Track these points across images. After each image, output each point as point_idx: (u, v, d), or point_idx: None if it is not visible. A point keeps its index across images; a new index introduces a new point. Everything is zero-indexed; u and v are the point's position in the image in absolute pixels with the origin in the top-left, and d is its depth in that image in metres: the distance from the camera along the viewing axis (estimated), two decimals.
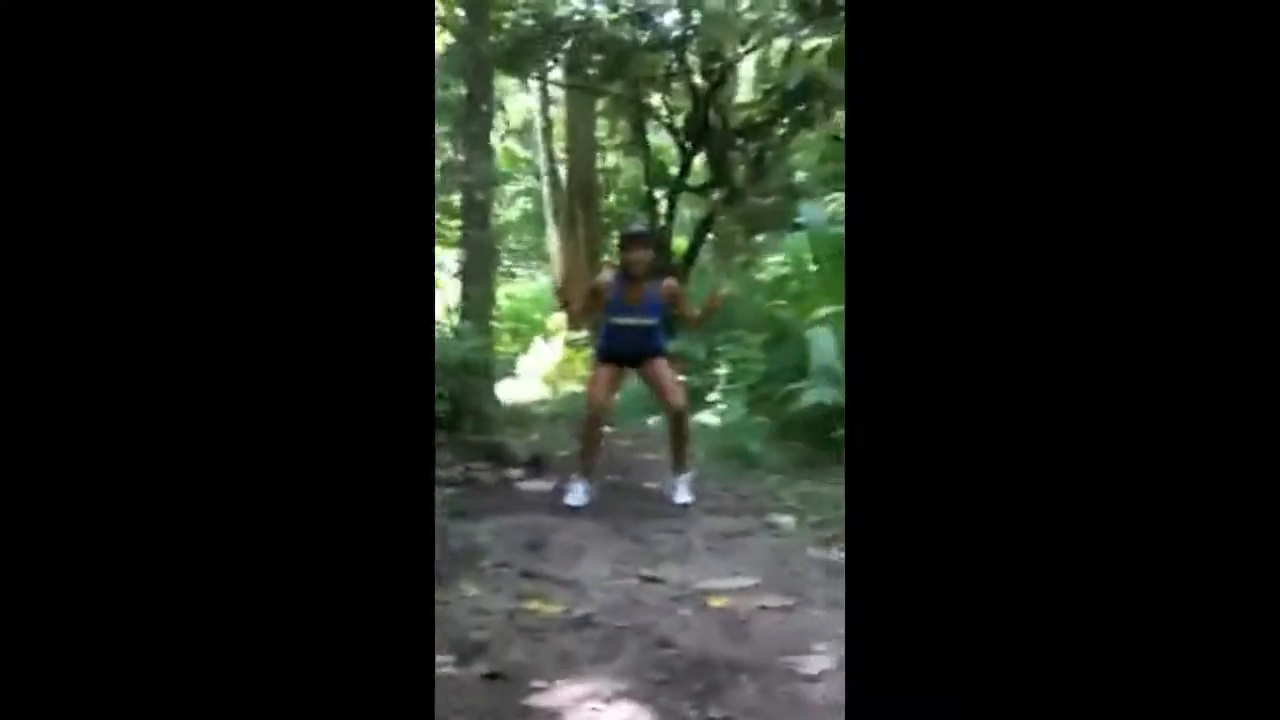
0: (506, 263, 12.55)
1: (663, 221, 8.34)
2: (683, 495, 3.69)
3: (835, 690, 1.68)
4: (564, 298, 4.09)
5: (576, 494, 3.66)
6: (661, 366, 3.78)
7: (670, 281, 3.88)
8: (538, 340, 10.16)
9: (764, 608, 2.29)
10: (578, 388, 8.36)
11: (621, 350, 3.78)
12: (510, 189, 12.52)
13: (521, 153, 12.85)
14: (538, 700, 1.68)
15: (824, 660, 1.85)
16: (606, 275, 3.89)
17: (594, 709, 1.65)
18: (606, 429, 4.08)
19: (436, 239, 9.96)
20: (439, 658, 1.87)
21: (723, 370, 6.22)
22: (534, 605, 2.27)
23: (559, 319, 10.00)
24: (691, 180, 8.66)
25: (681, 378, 4.45)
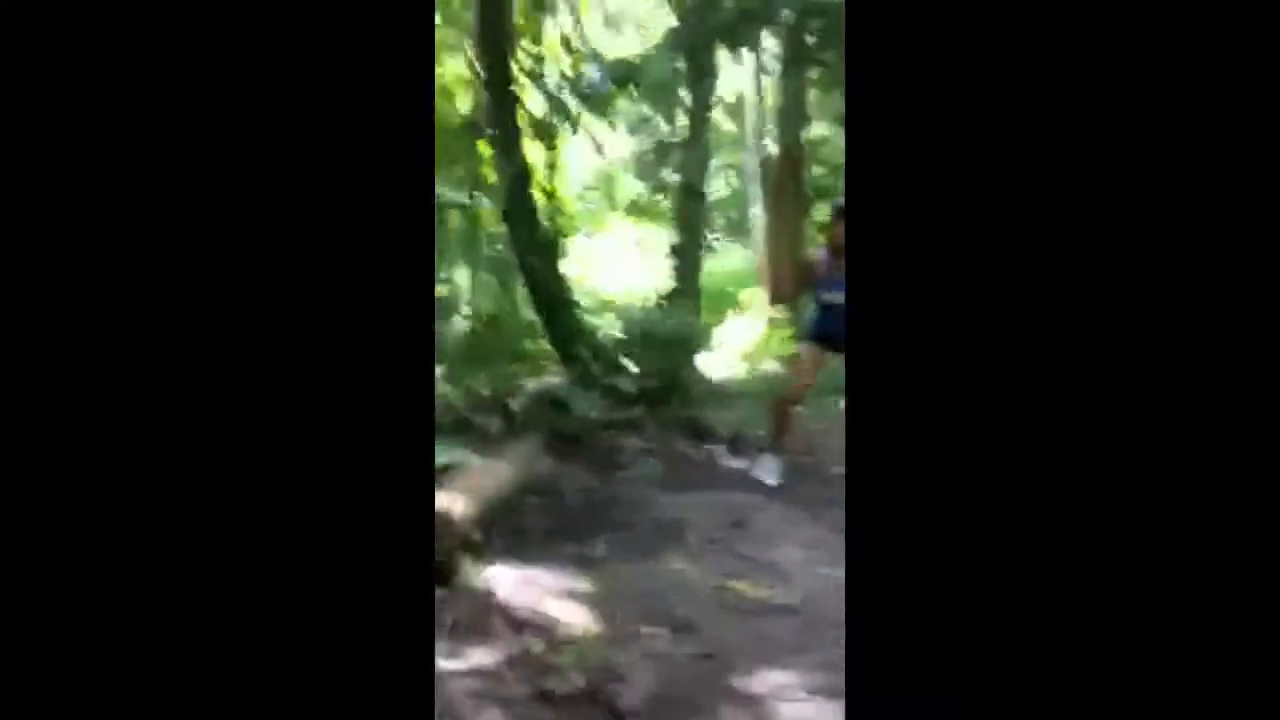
0: (709, 237, 12.63)
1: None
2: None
3: None
4: (767, 280, 4.07)
5: (769, 471, 3.71)
6: None
7: None
8: (733, 316, 10.18)
9: None
10: (776, 366, 8.33)
11: (830, 329, 3.69)
12: (715, 163, 12.54)
13: (728, 127, 12.82)
14: (744, 683, 1.76)
15: None
16: (819, 251, 3.85)
17: (798, 699, 1.70)
18: (798, 409, 4.07)
19: (649, 215, 10.18)
20: (654, 628, 2.00)
21: None
22: (740, 586, 2.35)
23: (756, 295, 9.97)
24: None
25: None
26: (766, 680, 1.78)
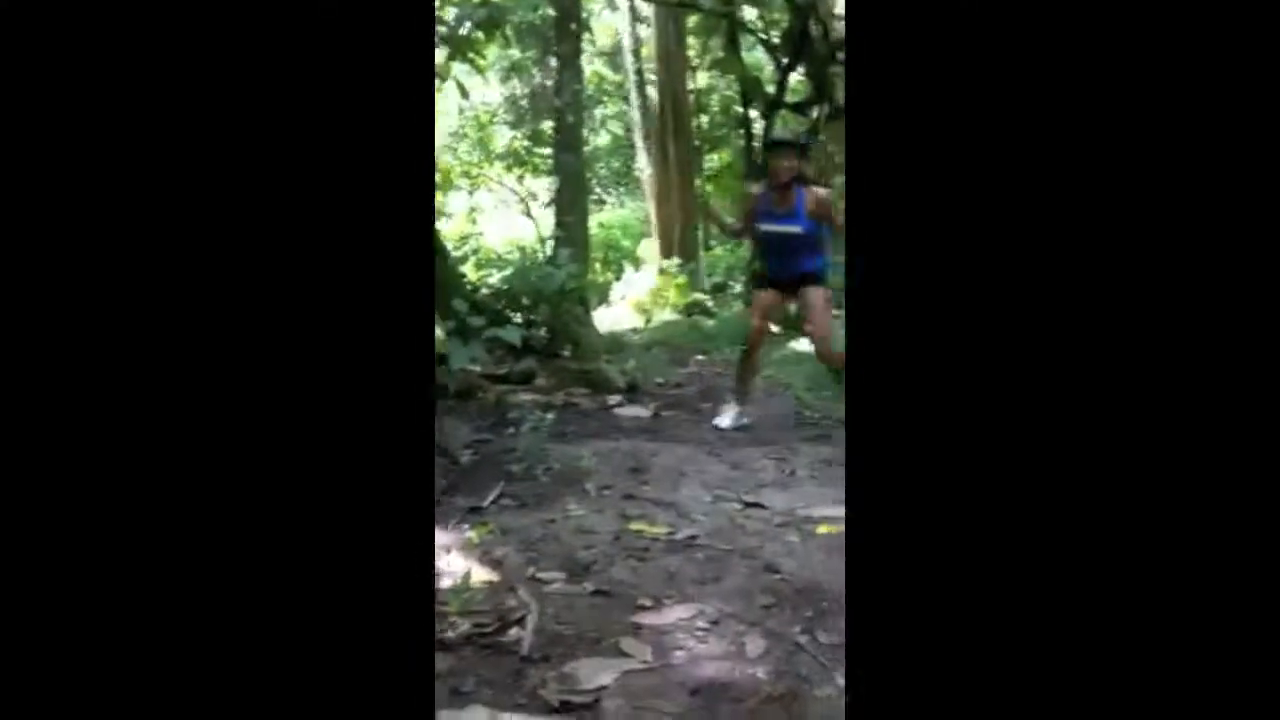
0: (597, 189, 12.48)
1: (758, 142, 8.09)
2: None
3: None
4: (711, 217, 4.07)
5: (725, 417, 3.71)
6: (817, 295, 3.68)
7: (820, 190, 3.75)
8: (629, 268, 10.14)
9: None
10: (671, 316, 8.34)
11: (778, 266, 3.71)
12: (599, 113, 12.36)
13: (610, 75, 12.63)
14: (645, 618, 1.71)
15: None
16: (758, 187, 3.85)
17: (701, 628, 1.66)
18: (700, 356, 4.07)
19: (529, 167, 9.97)
20: (548, 574, 1.92)
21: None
22: (638, 526, 2.30)
23: (649, 247, 9.93)
24: (789, 98, 8.33)
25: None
26: (668, 613, 1.73)
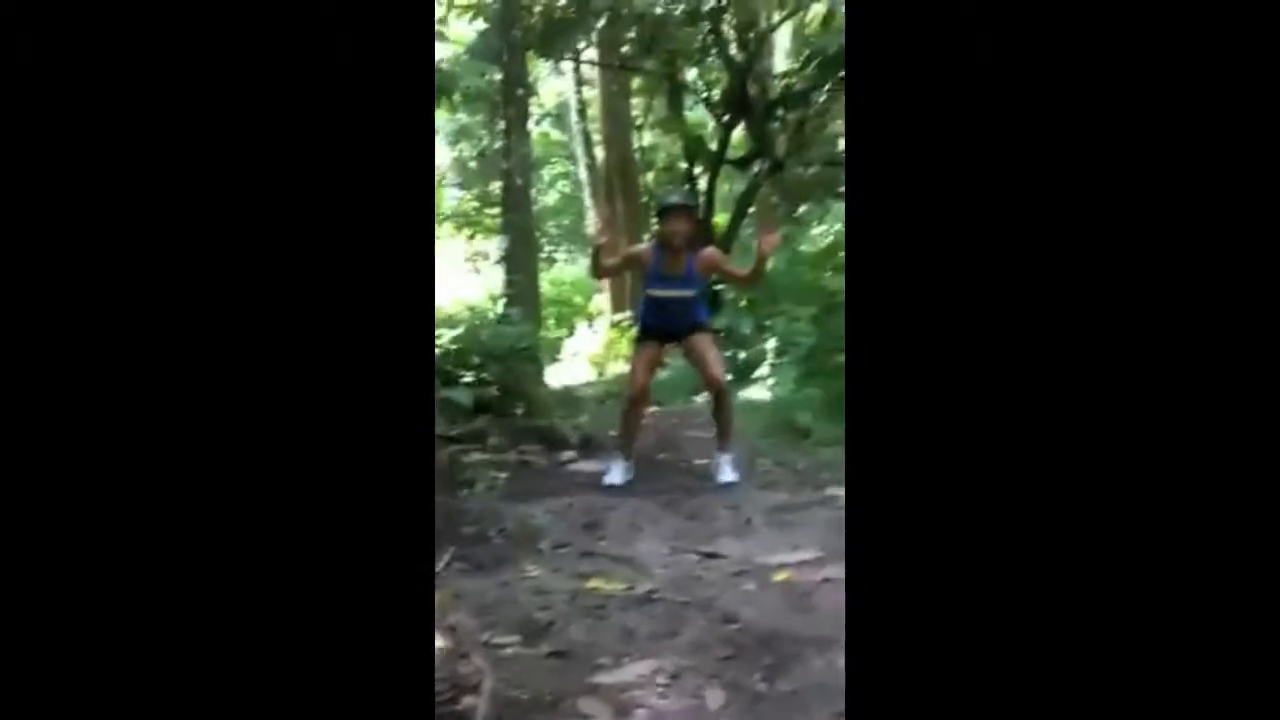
0: (547, 248, 12.57)
1: (703, 197, 8.25)
2: (727, 474, 3.64)
3: None
4: (600, 251, 3.98)
5: (615, 473, 3.65)
6: (704, 342, 3.71)
7: (709, 251, 3.80)
8: (581, 324, 10.17)
9: (827, 580, 2.25)
10: (624, 368, 8.36)
11: (663, 324, 3.71)
12: (547, 173, 12.53)
13: (557, 136, 12.83)
14: (604, 678, 1.68)
15: None
16: (645, 245, 3.85)
17: (662, 684, 1.63)
18: (653, 408, 4.05)
19: (479, 227, 10.02)
20: (504, 638, 1.88)
21: (771, 344, 6.16)
22: (595, 584, 2.27)
23: (601, 302, 10.00)
24: (731, 154, 8.55)
25: (726, 353, 4.39)
26: (627, 671, 1.70)
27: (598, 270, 3.93)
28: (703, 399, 5.44)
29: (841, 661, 1.69)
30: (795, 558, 2.48)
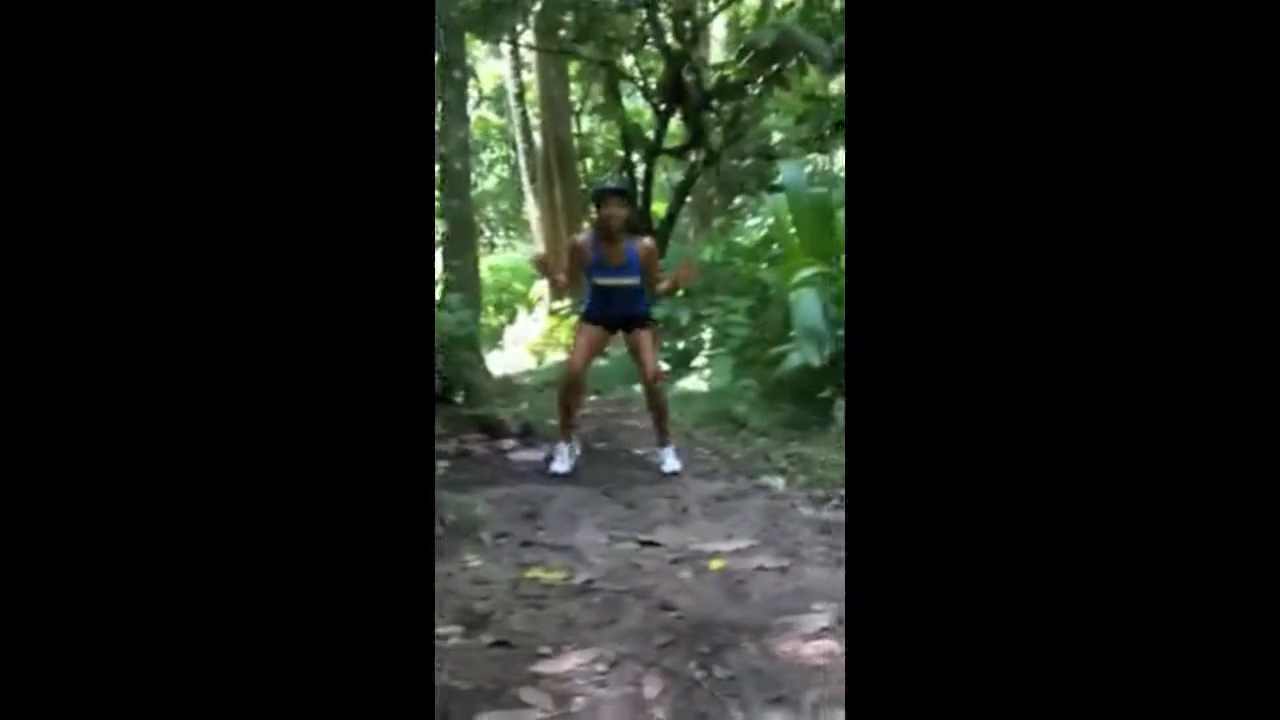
0: (485, 233, 12.44)
1: (640, 186, 8.29)
2: (671, 464, 3.70)
3: (836, 646, 1.73)
4: (544, 269, 4.01)
5: (561, 460, 3.68)
6: (646, 338, 3.75)
7: (648, 241, 3.82)
8: (521, 311, 10.12)
9: (762, 568, 2.33)
10: (564, 356, 8.36)
11: (608, 312, 3.72)
12: (486, 157, 12.38)
13: (495, 120, 12.68)
14: (544, 667, 1.72)
15: (823, 618, 1.90)
16: (583, 236, 3.81)
17: (600, 672, 1.68)
18: (591, 397, 4.07)
19: None
20: (445, 629, 1.90)
21: (707, 335, 6.24)
22: (535, 573, 2.30)
23: (541, 289, 9.96)
24: (668, 143, 8.60)
25: (665, 343, 4.44)
26: (567, 660, 1.74)
27: (559, 284, 3.93)
28: (638, 388, 5.52)
29: (777, 647, 1.77)
30: (730, 546, 2.56)
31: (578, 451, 3.77)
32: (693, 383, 5.84)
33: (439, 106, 5.36)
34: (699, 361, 6.11)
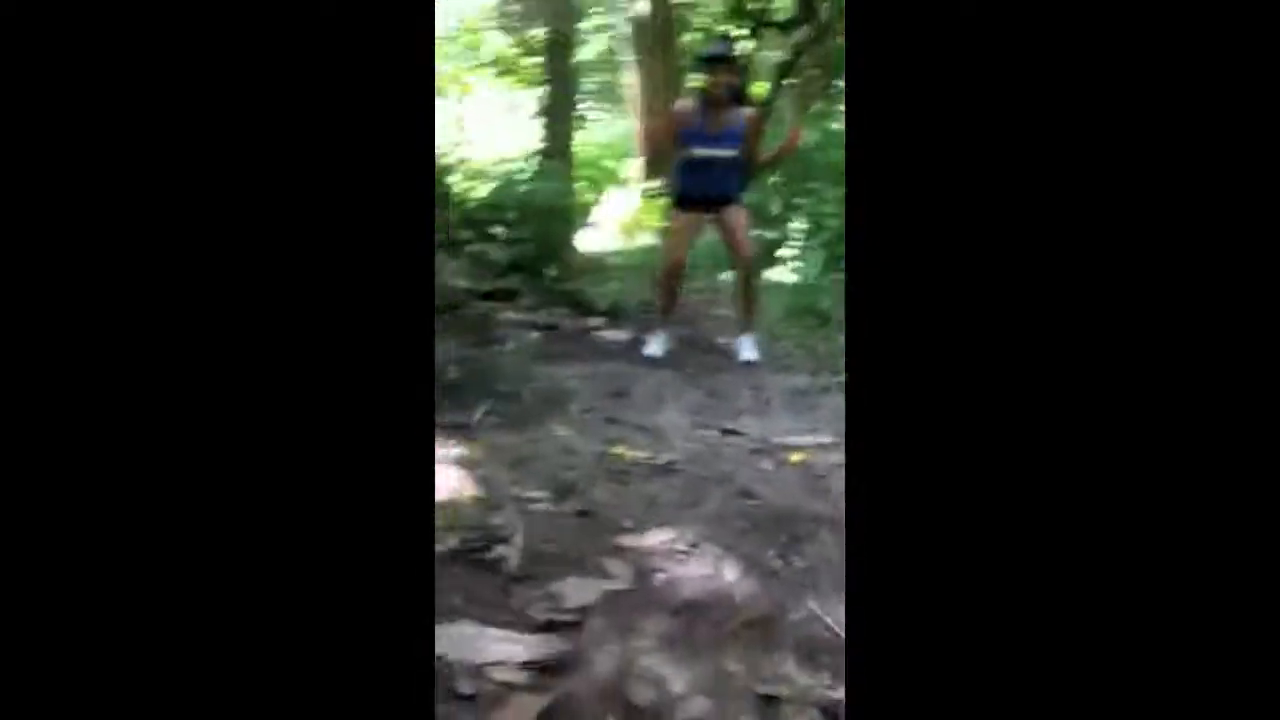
0: (581, 106, 12.18)
1: (742, 62, 7.92)
2: (748, 352, 3.66)
3: None
4: (644, 148, 3.91)
5: (655, 345, 3.70)
6: (739, 215, 3.62)
7: (754, 111, 3.65)
8: (612, 189, 10.00)
9: (842, 465, 2.35)
10: (653, 239, 8.30)
11: (701, 189, 3.55)
12: (587, 24, 11.97)
13: None
14: (627, 540, 1.78)
15: None
16: (685, 102, 3.63)
17: (681, 552, 1.74)
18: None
19: (517, 77, 9.67)
20: (533, 493, 1.99)
21: (798, 225, 6.08)
22: (619, 450, 2.37)
23: (635, 167, 9.79)
24: (774, 16, 8.13)
25: (754, 232, 4.33)
26: (649, 537, 1.80)
27: (655, 164, 3.83)
28: (727, 276, 5.45)
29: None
30: (811, 440, 2.57)
31: (671, 340, 3.79)
32: (780, 274, 5.74)
33: None
34: (787, 252, 5.97)
